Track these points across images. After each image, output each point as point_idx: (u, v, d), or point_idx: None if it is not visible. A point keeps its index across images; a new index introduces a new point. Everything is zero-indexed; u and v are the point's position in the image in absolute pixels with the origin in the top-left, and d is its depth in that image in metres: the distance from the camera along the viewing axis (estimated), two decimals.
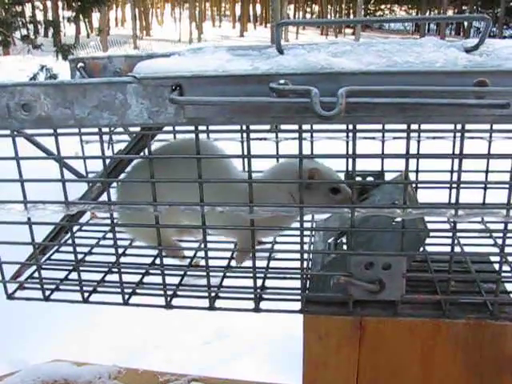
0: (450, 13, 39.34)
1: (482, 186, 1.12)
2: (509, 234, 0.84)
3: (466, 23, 36.99)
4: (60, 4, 20.58)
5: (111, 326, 3.07)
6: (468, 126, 0.80)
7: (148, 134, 0.88)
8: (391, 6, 47.54)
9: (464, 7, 38.28)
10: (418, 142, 1.13)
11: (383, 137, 1.16)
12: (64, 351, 2.58)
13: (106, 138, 1.22)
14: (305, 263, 0.88)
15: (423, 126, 0.95)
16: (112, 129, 1.14)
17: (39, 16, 22.45)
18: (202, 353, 2.94)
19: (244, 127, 0.80)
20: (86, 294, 0.98)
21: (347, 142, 1.16)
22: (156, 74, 0.76)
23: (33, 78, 12.13)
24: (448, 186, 1.14)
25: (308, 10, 49.21)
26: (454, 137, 1.10)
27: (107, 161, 0.91)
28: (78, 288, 0.97)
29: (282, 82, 0.70)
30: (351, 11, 42.84)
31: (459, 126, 0.81)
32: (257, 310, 0.90)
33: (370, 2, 44.09)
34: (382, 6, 47.28)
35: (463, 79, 0.69)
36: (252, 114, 0.73)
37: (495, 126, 1.01)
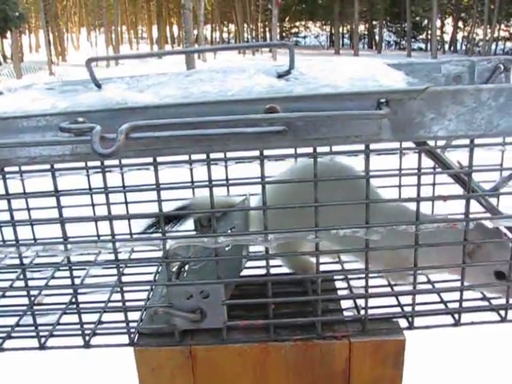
0: (361, 27, 40.66)
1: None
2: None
3: (377, 37, 38.24)
4: None
5: None
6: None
7: None
8: (306, 23, 48.50)
9: (374, 22, 39.54)
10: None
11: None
12: None
13: None
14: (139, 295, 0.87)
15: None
16: None
17: None
18: None
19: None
20: None
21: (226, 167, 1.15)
22: None
23: None
24: None
25: (225, 29, 49.61)
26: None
27: None
28: None
29: (80, 120, 0.70)
30: (267, 29, 43.45)
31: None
32: (87, 346, 0.88)
33: (284, 20, 44.86)
34: (297, 23, 48.21)
35: (253, 107, 0.70)
36: (52, 154, 0.72)
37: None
